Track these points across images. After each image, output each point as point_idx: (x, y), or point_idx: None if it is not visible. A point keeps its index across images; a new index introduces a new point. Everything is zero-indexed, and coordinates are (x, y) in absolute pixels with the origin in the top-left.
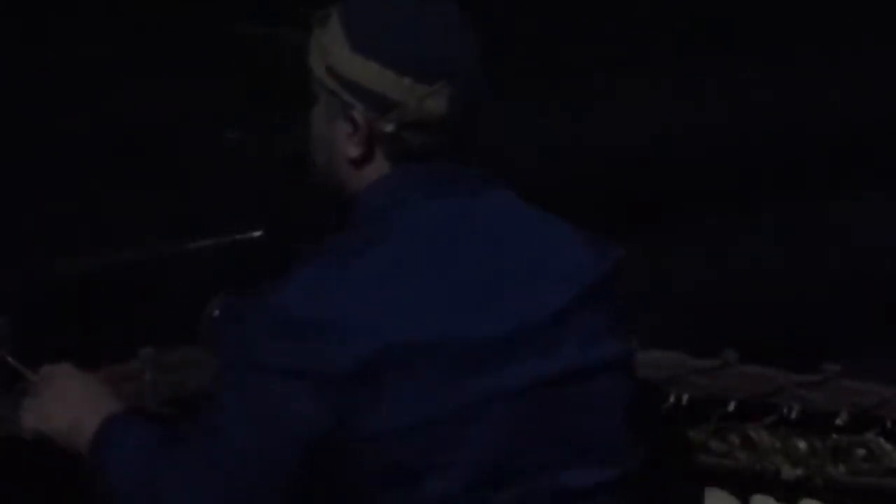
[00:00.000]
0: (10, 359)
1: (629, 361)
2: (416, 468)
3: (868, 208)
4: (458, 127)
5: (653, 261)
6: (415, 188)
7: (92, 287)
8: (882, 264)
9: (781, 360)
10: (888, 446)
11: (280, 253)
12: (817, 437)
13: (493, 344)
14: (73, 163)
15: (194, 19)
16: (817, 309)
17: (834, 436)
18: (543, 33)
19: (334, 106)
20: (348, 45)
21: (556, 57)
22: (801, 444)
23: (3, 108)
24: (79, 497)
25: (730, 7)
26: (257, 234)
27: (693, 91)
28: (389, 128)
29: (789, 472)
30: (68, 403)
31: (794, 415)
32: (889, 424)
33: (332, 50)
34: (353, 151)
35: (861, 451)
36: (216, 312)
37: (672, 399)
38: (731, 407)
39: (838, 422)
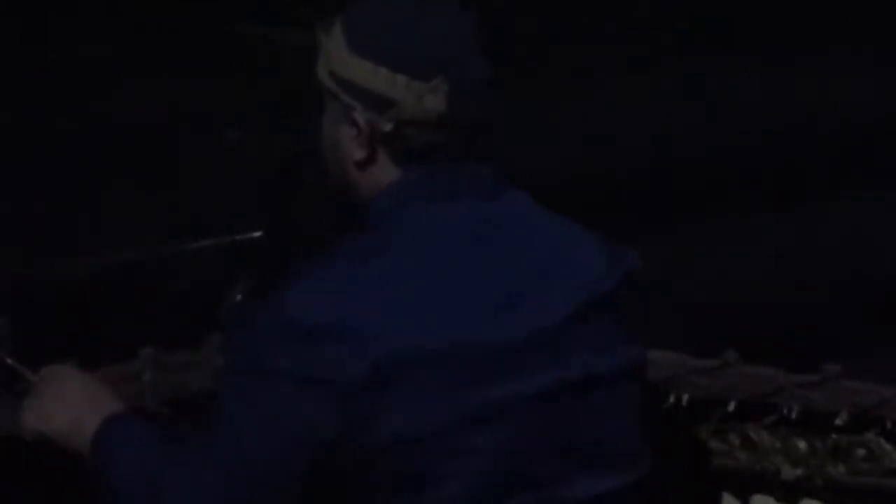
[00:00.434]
0: (9, 360)
1: (642, 368)
2: (425, 475)
3: (868, 208)
4: (464, 126)
5: (652, 261)
6: (425, 191)
7: (92, 287)
8: (882, 264)
9: (781, 360)
10: (888, 446)
11: (280, 253)
12: (817, 437)
13: (505, 351)
14: (73, 163)
15: (194, 19)
16: (817, 309)
17: (834, 436)
18: (543, 33)
19: (338, 109)
20: (346, 47)
21: (556, 57)
22: (801, 444)
23: (3, 108)
24: (79, 497)
25: (730, 7)
26: (257, 234)
27: (693, 91)
28: (388, 126)
29: (789, 472)
30: (68, 404)
31: (794, 415)
32: (889, 424)
33: (333, 53)
34: (358, 154)
35: (861, 451)
36: (238, 297)
37: (672, 399)
38: (731, 407)
39: (838, 422)
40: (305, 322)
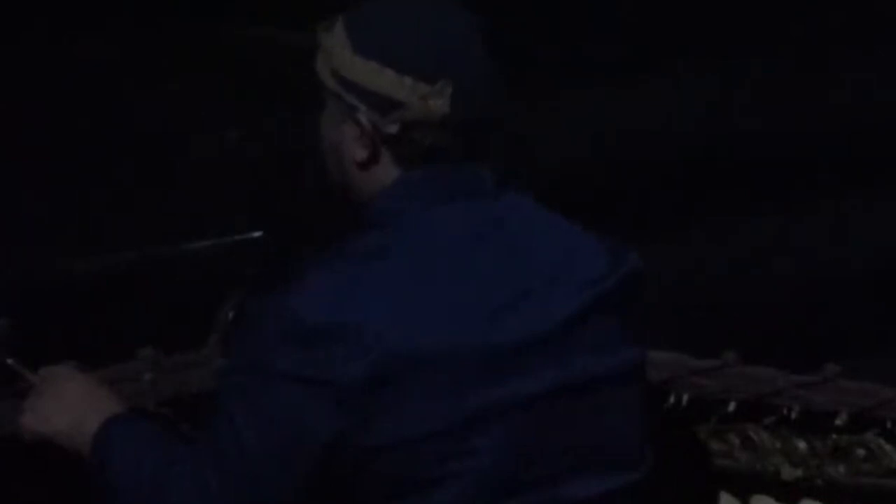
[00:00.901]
0: (9, 360)
1: (642, 369)
2: (425, 476)
3: (870, 208)
4: (469, 127)
5: (652, 261)
6: (427, 192)
7: (92, 287)
8: (882, 264)
9: (781, 360)
10: (888, 446)
11: (280, 253)
12: (817, 438)
13: (505, 352)
14: (74, 163)
15: (194, 19)
16: (817, 309)
17: (834, 436)
18: (544, 33)
19: (340, 110)
20: (350, 47)
21: (557, 57)
22: (801, 444)
23: (3, 108)
24: (79, 497)
25: (730, 7)
26: (257, 234)
27: (693, 91)
28: (393, 128)
29: (789, 472)
30: (69, 404)
31: (794, 415)
32: (889, 424)
33: (336, 53)
34: (360, 154)
35: (861, 451)
36: (230, 314)
37: (672, 399)
38: (731, 407)
39: (838, 422)
40: (306, 323)
